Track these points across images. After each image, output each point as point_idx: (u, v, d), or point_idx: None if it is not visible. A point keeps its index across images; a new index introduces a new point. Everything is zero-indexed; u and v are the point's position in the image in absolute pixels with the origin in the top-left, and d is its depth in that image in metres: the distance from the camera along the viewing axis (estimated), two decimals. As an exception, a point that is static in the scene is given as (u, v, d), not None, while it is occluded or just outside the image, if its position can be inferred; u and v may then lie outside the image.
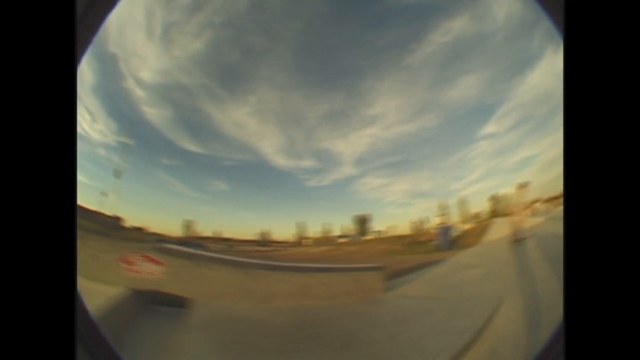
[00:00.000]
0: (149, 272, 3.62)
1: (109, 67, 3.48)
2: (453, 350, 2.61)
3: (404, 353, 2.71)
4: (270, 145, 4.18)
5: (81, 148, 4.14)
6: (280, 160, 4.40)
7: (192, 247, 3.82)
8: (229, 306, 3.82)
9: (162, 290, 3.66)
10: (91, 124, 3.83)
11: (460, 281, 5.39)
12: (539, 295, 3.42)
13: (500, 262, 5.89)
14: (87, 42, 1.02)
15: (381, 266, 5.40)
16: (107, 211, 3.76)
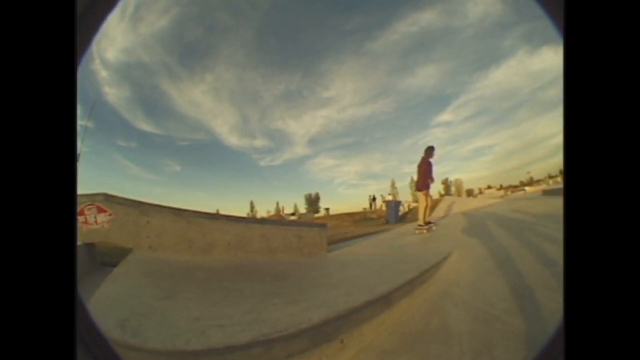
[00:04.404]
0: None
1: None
2: (395, 284, 2.67)
3: (347, 290, 2.72)
4: (224, 124, 4.23)
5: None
6: (234, 140, 4.47)
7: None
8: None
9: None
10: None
11: (406, 243, 5.51)
12: (487, 250, 3.81)
13: (448, 228, 6.02)
14: (87, 42, 1.02)
15: (324, 224, 5.40)
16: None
